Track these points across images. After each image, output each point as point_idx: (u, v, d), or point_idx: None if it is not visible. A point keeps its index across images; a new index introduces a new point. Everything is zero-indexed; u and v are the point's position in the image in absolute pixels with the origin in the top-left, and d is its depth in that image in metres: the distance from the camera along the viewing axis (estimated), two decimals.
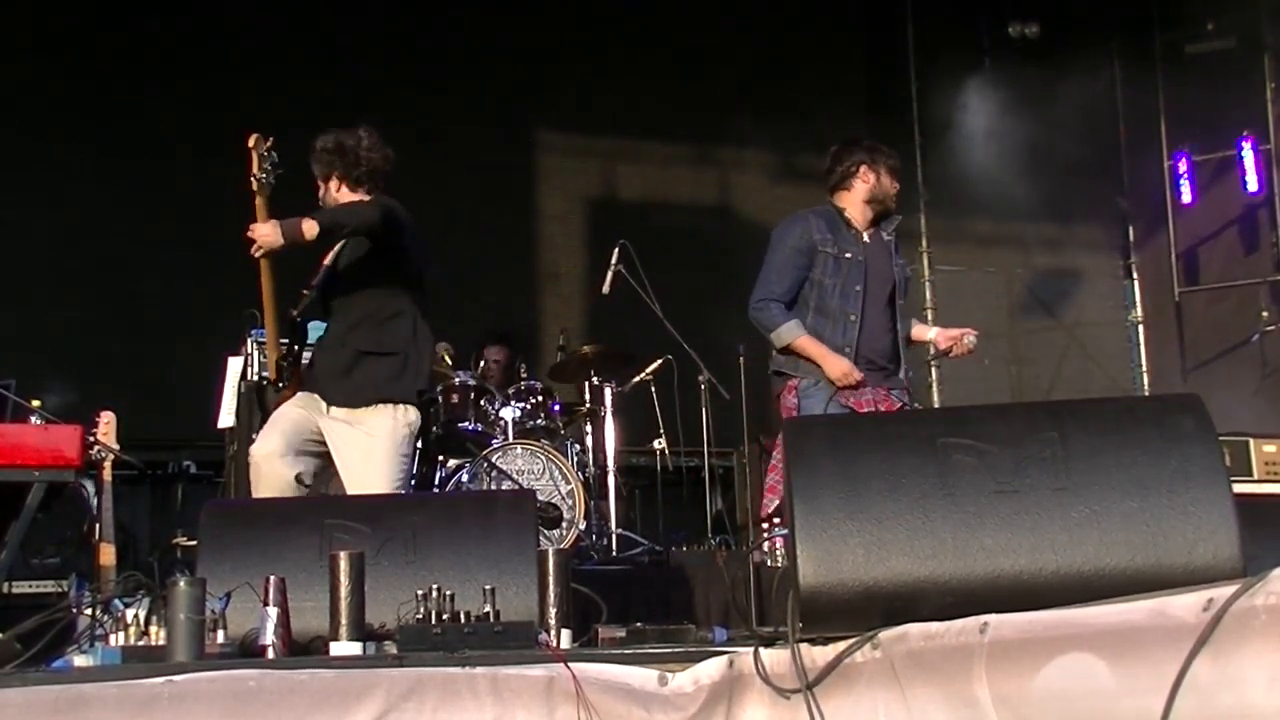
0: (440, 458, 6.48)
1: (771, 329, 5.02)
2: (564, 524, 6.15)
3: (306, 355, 4.72)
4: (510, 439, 6.38)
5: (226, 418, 6.46)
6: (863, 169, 5.08)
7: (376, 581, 2.96)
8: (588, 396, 6.87)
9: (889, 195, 5.12)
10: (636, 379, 6.90)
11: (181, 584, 2.78)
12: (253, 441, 5.99)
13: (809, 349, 4.94)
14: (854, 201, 5.10)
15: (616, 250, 6.61)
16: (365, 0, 8.73)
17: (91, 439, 4.73)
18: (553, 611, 3.05)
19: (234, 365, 6.39)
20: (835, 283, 4.99)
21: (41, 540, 5.34)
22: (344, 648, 2.82)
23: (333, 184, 4.66)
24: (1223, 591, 2.02)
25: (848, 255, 5.00)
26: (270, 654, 2.82)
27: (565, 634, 3.06)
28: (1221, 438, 2.75)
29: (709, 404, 6.94)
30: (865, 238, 5.09)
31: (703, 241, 9.29)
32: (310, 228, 4.26)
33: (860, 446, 2.75)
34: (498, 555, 3.11)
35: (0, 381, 5.21)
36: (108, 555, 4.83)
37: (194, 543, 4.91)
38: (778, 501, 5.10)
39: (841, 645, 2.62)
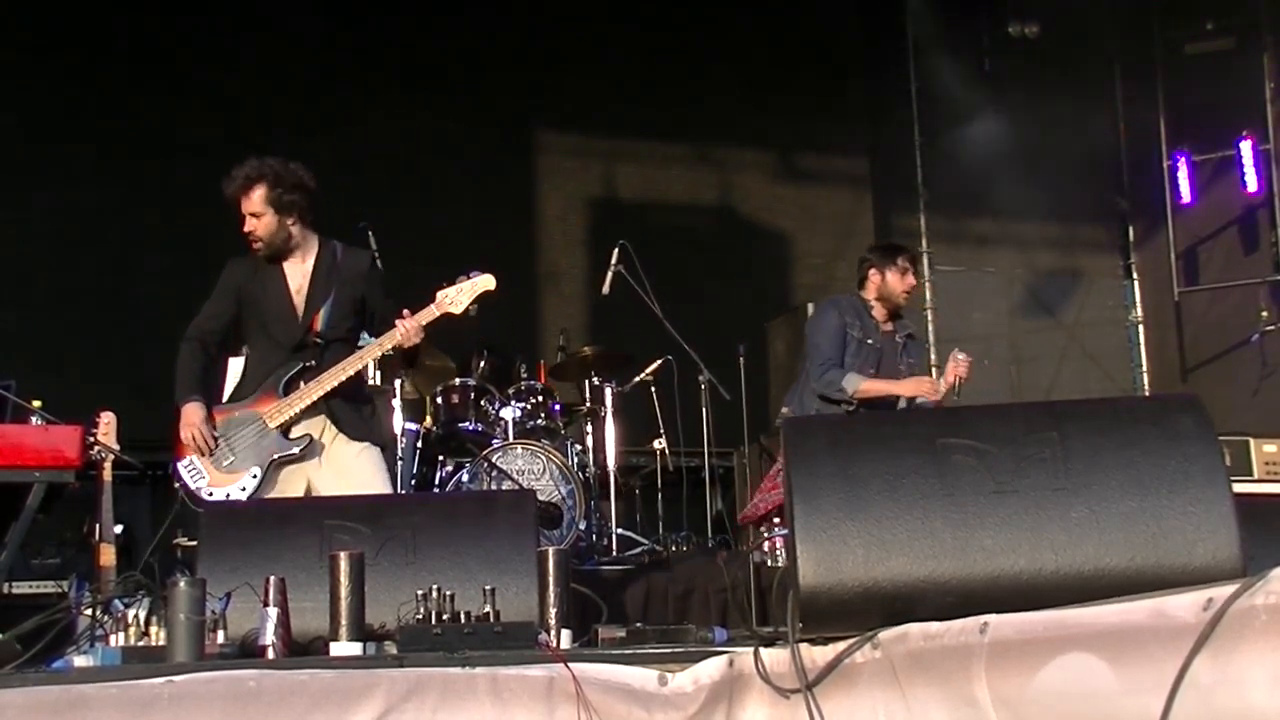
0: (440, 458, 6.48)
1: (838, 385, 5.67)
2: (564, 524, 6.14)
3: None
4: (510, 439, 6.38)
5: None
6: (871, 271, 5.83)
7: (376, 582, 2.96)
8: (588, 397, 6.87)
9: (894, 294, 5.82)
10: (636, 379, 6.90)
11: (181, 584, 2.79)
12: None
13: (878, 387, 5.66)
14: (870, 296, 5.85)
15: (616, 250, 6.61)
16: (365, 1, 8.73)
17: (91, 439, 4.73)
18: (553, 612, 3.05)
19: (234, 366, 6.38)
20: (855, 363, 5.72)
21: (42, 541, 5.35)
22: (344, 648, 2.82)
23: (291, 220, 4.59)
24: (1222, 591, 2.02)
25: (869, 341, 5.75)
26: (270, 654, 2.82)
27: (565, 634, 3.06)
28: (1221, 437, 2.75)
29: (709, 404, 6.94)
30: (884, 328, 5.83)
31: (703, 242, 9.29)
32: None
33: (860, 447, 2.75)
34: (498, 555, 3.12)
35: (0, 382, 5.20)
36: (108, 556, 4.83)
37: (194, 543, 4.92)
38: (764, 509, 5.58)
39: (841, 645, 2.62)
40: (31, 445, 4.15)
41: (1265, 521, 3.06)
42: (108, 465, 4.92)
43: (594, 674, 2.63)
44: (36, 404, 4.63)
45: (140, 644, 2.88)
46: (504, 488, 6.03)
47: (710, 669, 2.70)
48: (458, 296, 4.51)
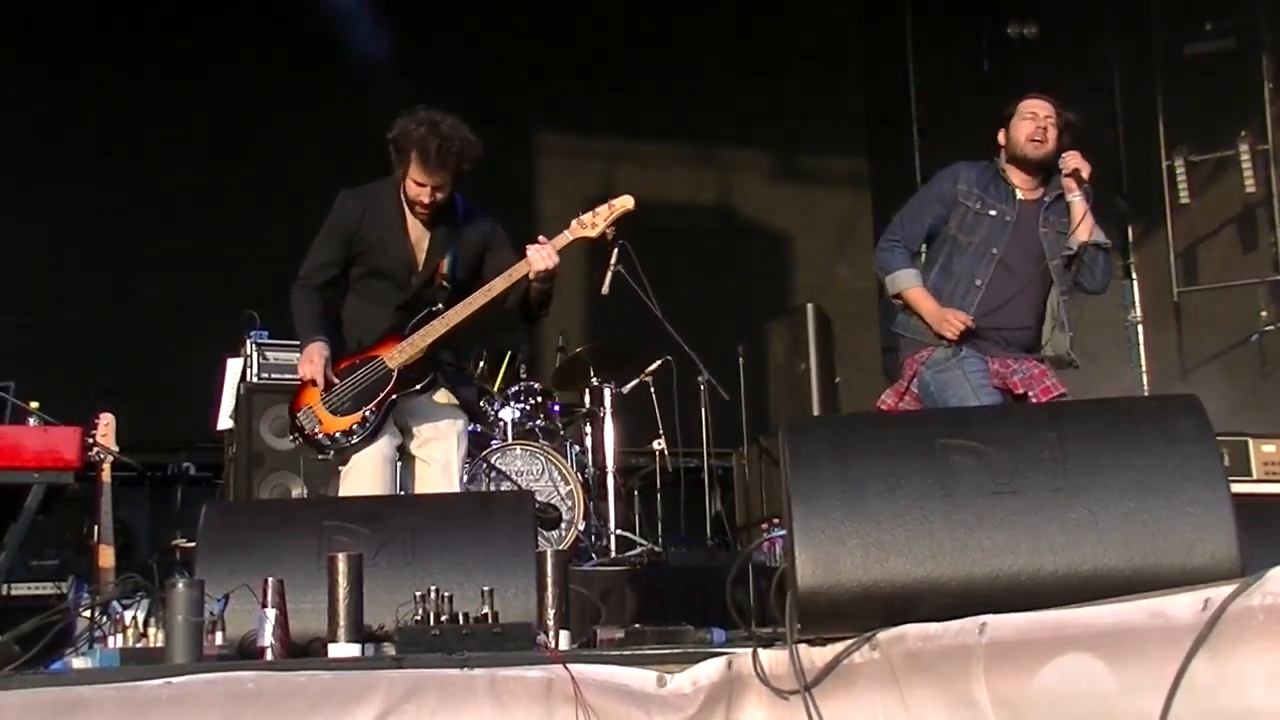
0: None
1: (888, 272, 4.61)
2: (563, 525, 6.15)
3: None
4: (509, 440, 6.38)
5: (225, 420, 6.47)
6: (1001, 134, 4.66)
7: (375, 583, 2.96)
8: (587, 397, 6.87)
9: (1019, 147, 4.57)
10: (636, 380, 6.90)
11: (180, 586, 2.79)
12: (253, 442, 6.04)
13: (919, 303, 4.52)
14: (1004, 161, 4.67)
15: (615, 251, 6.59)
16: (365, 2, 8.73)
17: (91, 441, 4.73)
18: (551, 613, 3.05)
19: (233, 367, 6.40)
20: (970, 241, 4.54)
21: (41, 542, 5.35)
22: (342, 649, 2.82)
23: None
24: (1220, 591, 2.02)
25: (991, 213, 4.54)
26: (269, 656, 2.82)
27: (564, 635, 3.06)
28: (1220, 438, 2.76)
29: (708, 405, 6.94)
30: (1024, 197, 4.58)
31: (702, 242, 9.29)
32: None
33: (859, 448, 2.75)
34: (496, 556, 3.12)
35: None
36: (107, 557, 4.83)
37: (193, 544, 4.92)
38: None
39: (840, 646, 2.62)
40: (30, 446, 4.14)
41: (1264, 522, 3.06)
42: (107, 466, 4.92)
43: (592, 675, 2.63)
44: (35, 405, 4.63)
45: (139, 645, 2.89)
46: (503, 488, 6.03)
47: (709, 670, 2.70)
48: (594, 219, 4.31)
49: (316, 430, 4.18)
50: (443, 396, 4.36)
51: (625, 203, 4.31)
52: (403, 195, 4.36)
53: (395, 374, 4.19)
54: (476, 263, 4.43)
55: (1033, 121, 4.58)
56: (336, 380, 4.19)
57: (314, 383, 4.18)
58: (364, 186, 4.47)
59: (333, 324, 4.37)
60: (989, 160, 4.69)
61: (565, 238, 4.32)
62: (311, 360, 4.19)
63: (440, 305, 4.26)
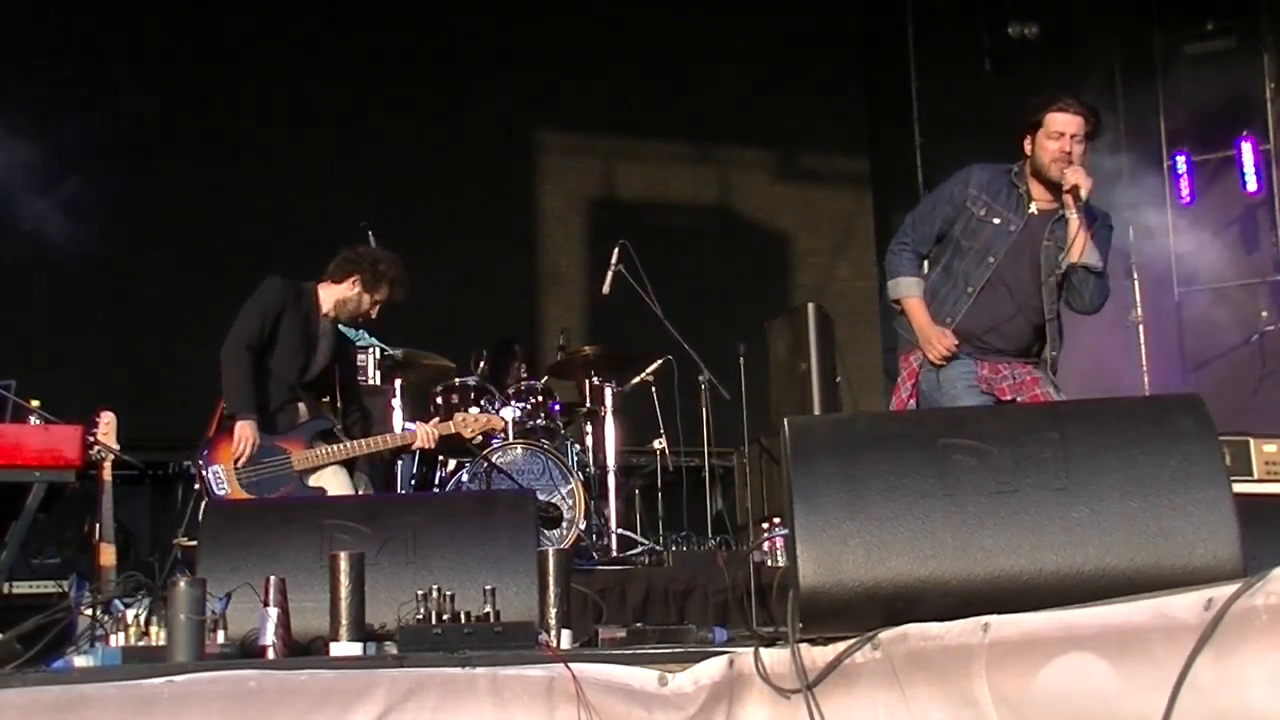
0: (440, 458, 6.48)
1: (892, 276, 4.64)
2: (564, 524, 6.14)
3: None
4: (510, 439, 6.38)
5: None
6: (1026, 141, 4.49)
7: (376, 582, 2.96)
8: (588, 396, 6.87)
9: (1042, 164, 4.42)
10: (637, 379, 6.90)
11: (182, 584, 2.78)
12: None
13: (914, 314, 4.55)
14: (1027, 170, 4.53)
15: (616, 250, 6.61)
16: (365, 2, 8.73)
17: (92, 439, 4.73)
18: (553, 612, 3.05)
19: None
20: (970, 245, 4.49)
21: (42, 540, 5.35)
22: (344, 648, 2.82)
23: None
24: (1223, 591, 2.02)
25: (995, 221, 4.48)
26: (270, 654, 2.82)
27: (565, 634, 3.06)
28: (1221, 437, 2.75)
29: (709, 404, 6.94)
30: (1036, 207, 4.49)
31: (703, 241, 9.29)
32: None
33: (860, 447, 2.75)
34: (498, 555, 3.11)
35: (0, 382, 5.20)
36: (108, 555, 4.82)
37: (194, 543, 4.93)
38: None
39: (842, 645, 2.62)
40: (32, 445, 4.15)
41: (1265, 522, 3.06)
42: (108, 465, 4.91)
43: (594, 674, 2.63)
44: (36, 404, 4.63)
45: (140, 644, 2.88)
46: (504, 488, 6.03)
47: (710, 669, 2.70)
48: (474, 422, 5.43)
49: (225, 494, 4.98)
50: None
51: (496, 422, 5.68)
52: (338, 306, 5.30)
53: (296, 476, 5.08)
54: (336, 360, 5.41)
55: (1059, 143, 4.41)
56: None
57: (237, 458, 5.01)
58: (295, 282, 5.32)
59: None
60: (1008, 165, 4.59)
61: (448, 427, 5.40)
62: (246, 438, 5.00)
63: (338, 425, 5.23)
